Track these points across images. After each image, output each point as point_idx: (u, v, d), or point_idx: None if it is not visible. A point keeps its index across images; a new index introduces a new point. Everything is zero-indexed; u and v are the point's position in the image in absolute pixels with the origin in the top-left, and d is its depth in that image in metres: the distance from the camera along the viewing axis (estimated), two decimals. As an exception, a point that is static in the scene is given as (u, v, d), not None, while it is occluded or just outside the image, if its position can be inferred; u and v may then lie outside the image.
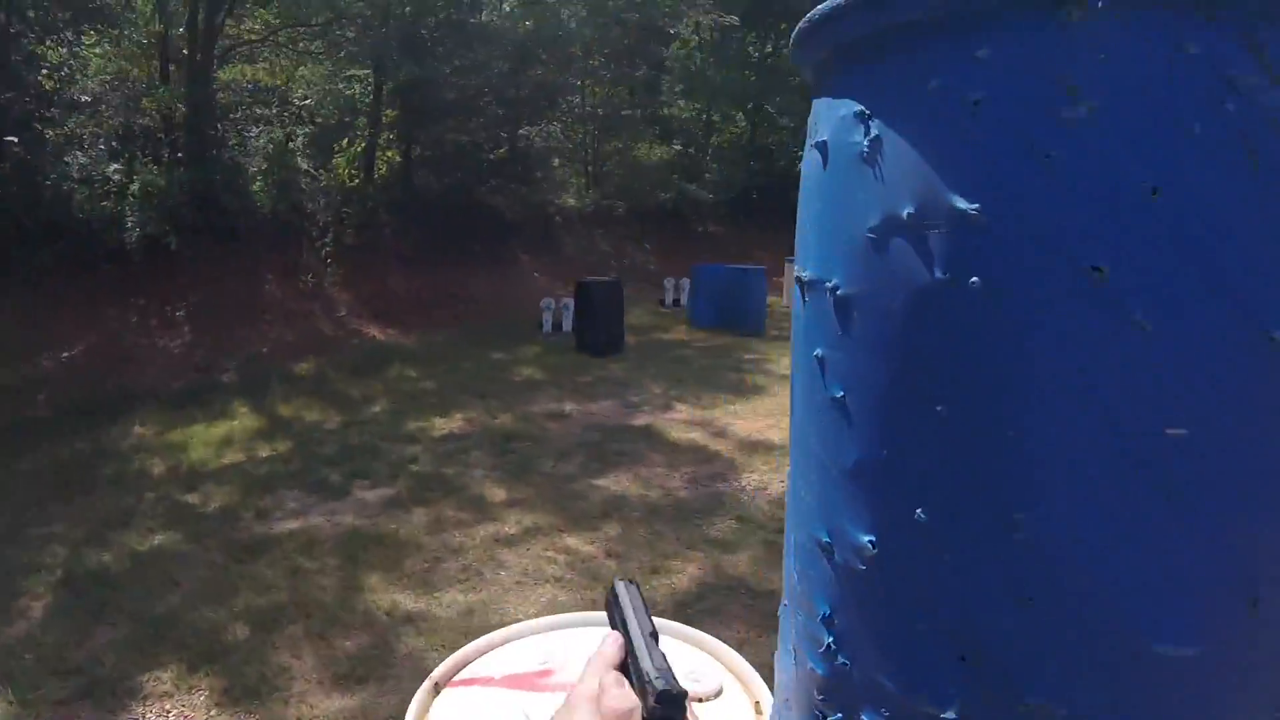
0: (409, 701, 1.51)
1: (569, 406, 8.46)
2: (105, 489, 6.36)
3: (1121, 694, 0.98)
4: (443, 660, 1.72)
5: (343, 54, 16.06)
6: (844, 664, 1.15)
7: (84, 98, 13.22)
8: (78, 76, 13.42)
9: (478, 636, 3.98)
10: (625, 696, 0.80)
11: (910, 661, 1.08)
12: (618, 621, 1.03)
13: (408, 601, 4.36)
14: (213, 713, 3.83)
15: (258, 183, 13.96)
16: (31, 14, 12.55)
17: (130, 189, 12.37)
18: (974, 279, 0.90)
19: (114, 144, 13.32)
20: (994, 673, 1.01)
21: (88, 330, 10.71)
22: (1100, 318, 0.87)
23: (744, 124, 26.25)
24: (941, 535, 1.01)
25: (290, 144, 14.91)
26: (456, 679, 1.67)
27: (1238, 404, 0.90)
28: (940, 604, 1.03)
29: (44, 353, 10.03)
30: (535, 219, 17.64)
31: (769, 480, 6.33)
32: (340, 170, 16.23)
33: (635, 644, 0.88)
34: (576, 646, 1.74)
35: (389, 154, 17.36)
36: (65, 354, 10.08)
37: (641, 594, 0.98)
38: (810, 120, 1.23)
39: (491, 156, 17.65)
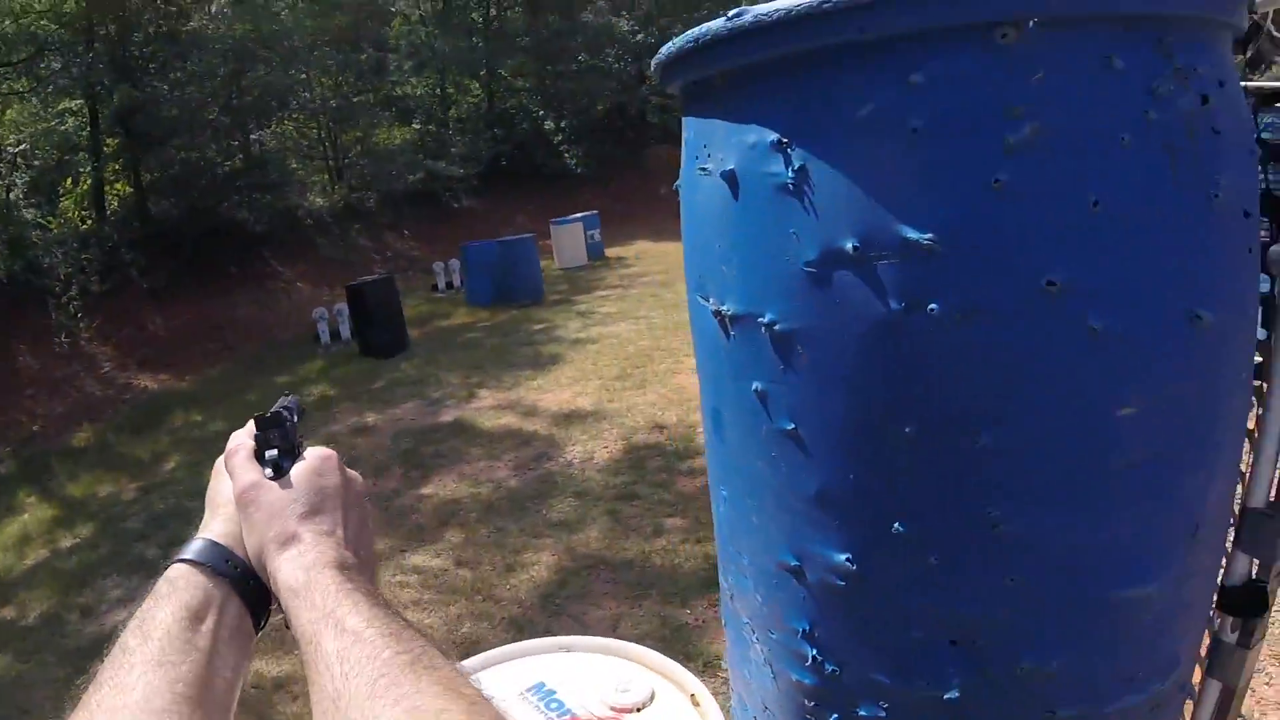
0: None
1: (371, 417, 8.13)
2: (-95, 627, 5.58)
3: (1098, 639, 1.08)
4: None
5: (50, 88, 14.50)
6: (834, 670, 1.17)
7: None
8: None
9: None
10: (234, 439, 0.84)
11: (904, 656, 1.12)
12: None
13: (270, 668, 4.08)
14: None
15: (-14, 247, 12.50)
16: None
17: None
18: (932, 305, 0.91)
19: None
20: (987, 649, 1.07)
21: None
22: (1056, 327, 0.92)
23: (480, 93, 25.77)
24: (921, 542, 1.04)
25: (10, 195, 13.35)
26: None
27: (1173, 377, 0.99)
28: (926, 600, 1.07)
29: None
30: (285, 226, 16.69)
31: (593, 449, 6.36)
32: (70, 214, 14.69)
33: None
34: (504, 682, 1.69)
35: (118, 186, 15.87)
36: None
37: (298, 403, 0.98)
38: (694, 141, 1.20)
39: (226, 168, 16.51)
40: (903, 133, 0.90)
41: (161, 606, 0.71)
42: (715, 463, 1.35)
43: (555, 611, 4.20)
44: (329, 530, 0.76)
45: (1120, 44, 0.90)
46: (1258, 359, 1.22)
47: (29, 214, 13.83)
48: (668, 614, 3.88)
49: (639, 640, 1.70)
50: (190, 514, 6.37)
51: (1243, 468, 1.27)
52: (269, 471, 0.79)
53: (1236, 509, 1.32)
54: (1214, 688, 1.43)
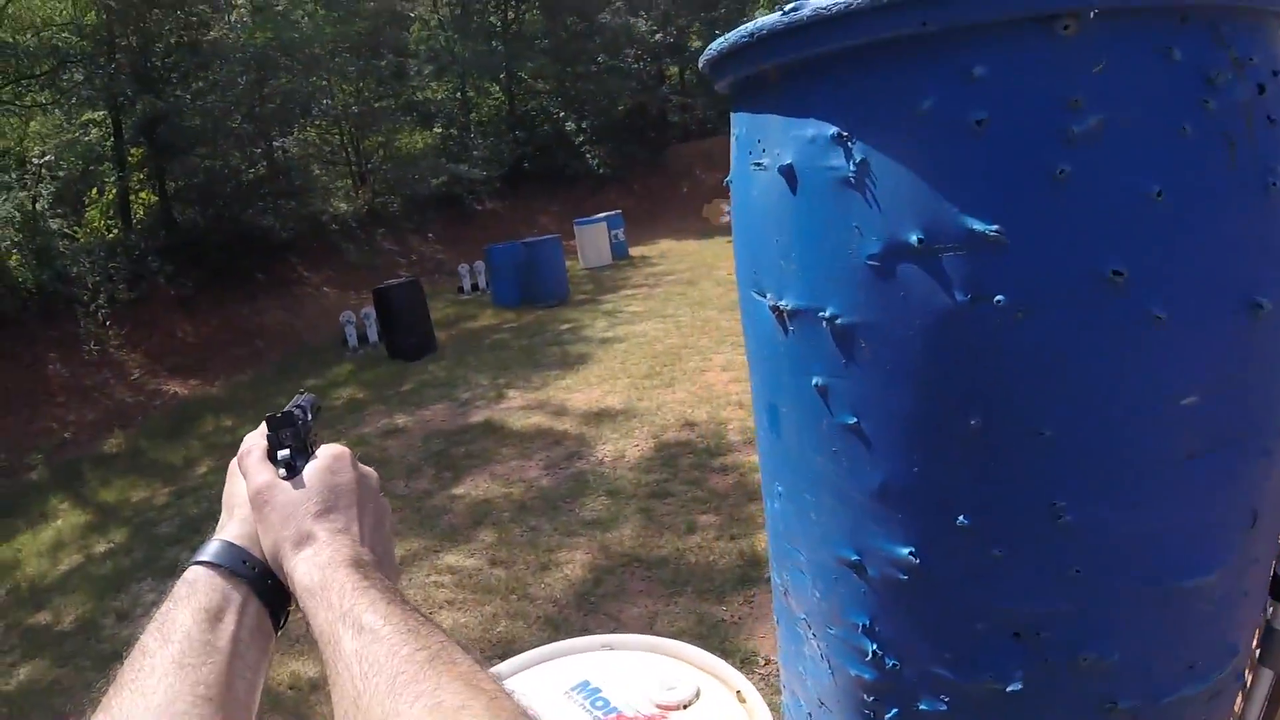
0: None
1: (401, 419, 8.17)
2: (-57, 632, 5.66)
3: (1160, 628, 1.08)
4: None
5: (74, 100, 14.66)
6: (894, 665, 1.17)
7: None
8: None
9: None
10: (247, 440, 0.84)
11: (966, 649, 1.12)
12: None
13: (307, 669, 4.11)
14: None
15: (14, 257, 12.59)
16: None
17: None
18: (998, 297, 0.92)
19: None
20: (1049, 641, 1.07)
21: None
22: (1121, 316, 0.92)
23: (501, 95, 25.84)
24: (986, 535, 1.04)
25: (36, 206, 13.47)
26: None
27: (1234, 365, 0.98)
28: (990, 593, 1.07)
29: None
30: (310, 232, 16.81)
31: (624, 448, 6.36)
32: (96, 223, 14.84)
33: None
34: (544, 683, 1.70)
35: (143, 195, 16.01)
36: None
37: (313, 400, 0.98)
38: (747, 137, 1.20)
39: (250, 175, 16.65)
40: (966, 125, 0.90)
41: (180, 608, 0.71)
42: (770, 459, 1.35)
43: (590, 610, 4.21)
44: (343, 528, 0.76)
45: (1178, 34, 0.90)
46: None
47: (55, 224, 13.92)
48: (704, 611, 3.88)
49: (676, 637, 1.70)
50: (224, 517, 6.45)
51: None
52: (282, 471, 0.79)
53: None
54: (1266, 676, 1.41)
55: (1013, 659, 1.09)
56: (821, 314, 1.06)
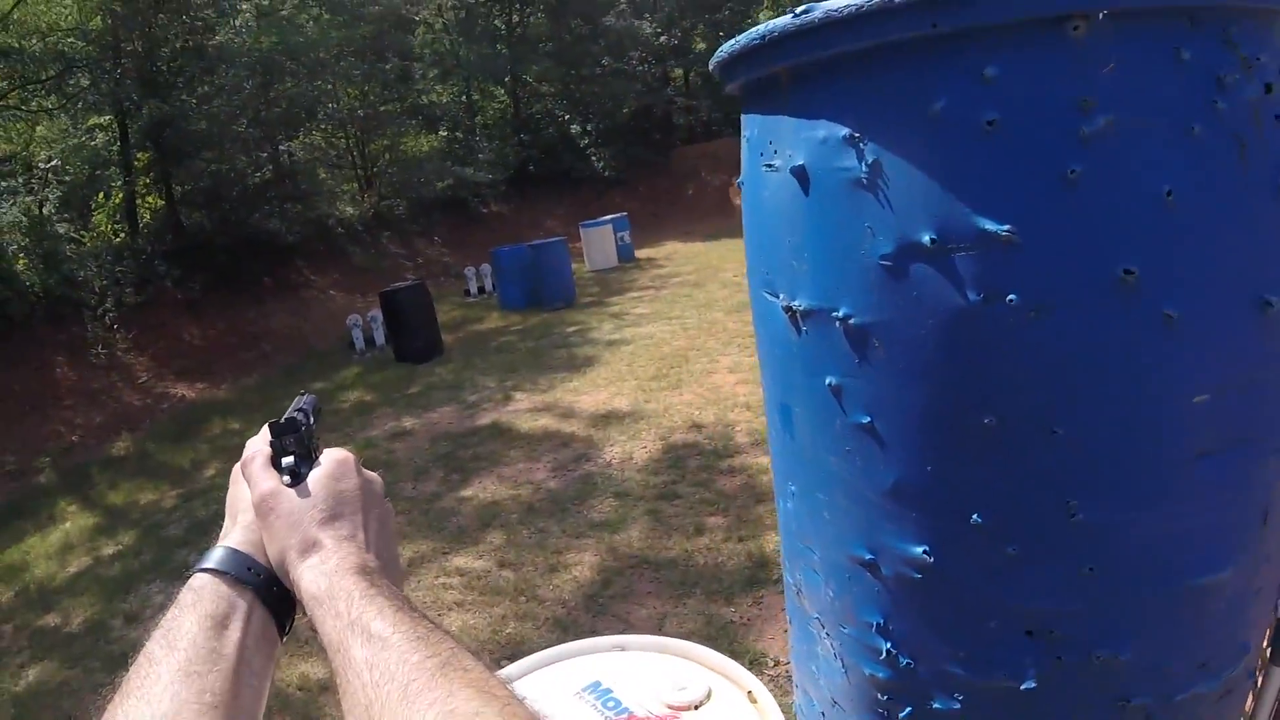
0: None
1: (408, 422, 8.18)
2: (-47, 635, 5.68)
3: (1173, 627, 1.08)
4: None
5: (80, 104, 14.70)
6: (908, 664, 1.18)
7: None
8: None
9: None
10: (250, 446, 0.83)
11: (980, 647, 1.12)
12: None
13: (316, 670, 4.12)
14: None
15: (21, 261, 12.63)
16: None
17: None
18: (1011, 296, 0.92)
19: None
20: (1063, 639, 1.08)
21: None
22: (1133, 315, 0.92)
23: (505, 98, 25.88)
24: (999, 533, 1.04)
25: (43, 210, 13.50)
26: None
27: (1245, 363, 0.99)
28: (1004, 591, 1.08)
29: None
30: (316, 235, 16.84)
31: (631, 450, 6.36)
32: (103, 228, 14.85)
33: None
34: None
35: (150, 199, 16.04)
36: None
37: (314, 402, 0.97)
38: (758, 138, 1.21)
39: (256, 179, 16.70)
40: (977, 126, 0.91)
41: (186, 616, 0.70)
42: (782, 459, 1.35)
43: (599, 611, 4.21)
44: (349, 535, 0.76)
45: (1187, 35, 0.91)
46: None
47: (62, 228, 13.91)
48: (712, 612, 3.88)
49: (685, 639, 1.70)
50: (233, 521, 6.47)
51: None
52: (286, 478, 0.79)
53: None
54: (1277, 676, 1.42)
55: (1026, 657, 1.09)
56: (834, 314, 1.07)
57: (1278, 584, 1.28)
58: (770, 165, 1.15)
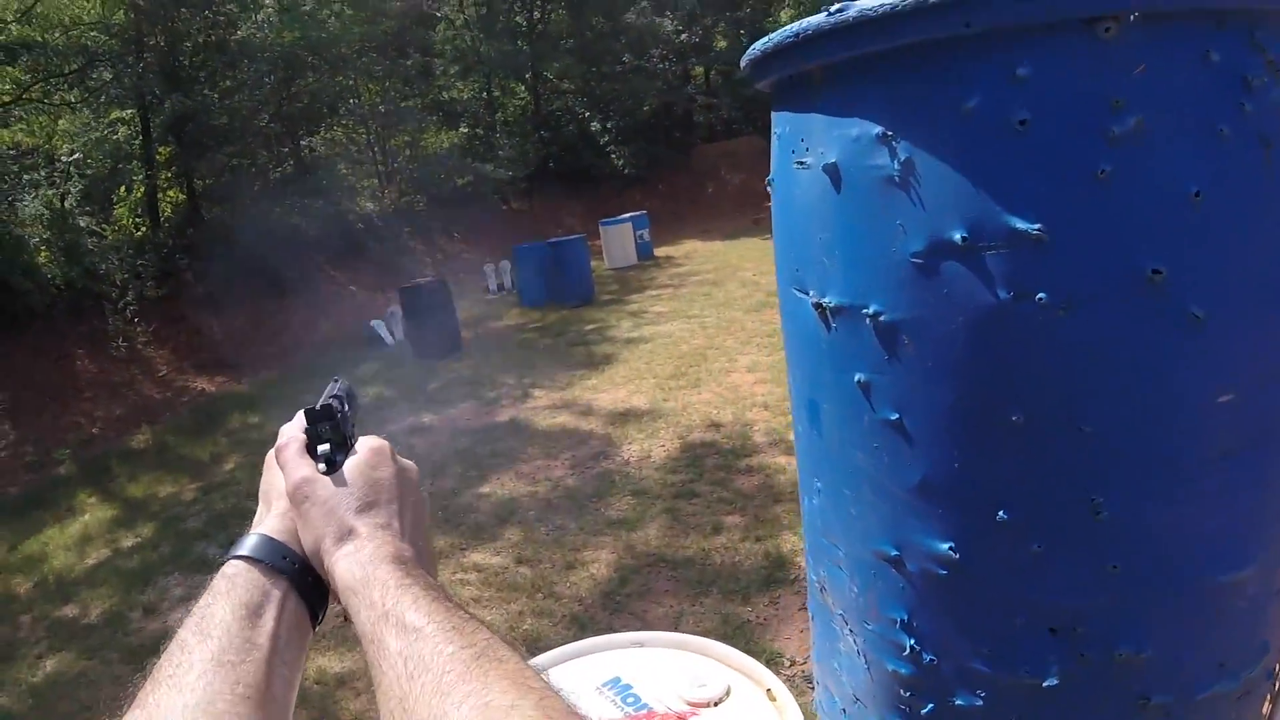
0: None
1: (427, 418, 8.22)
2: (-28, 624, 5.75)
3: (1194, 625, 1.09)
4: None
5: (102, 98, 14.80)
6: (932, 660, 1.18)
7: None
8: None
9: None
10: (284, 432, 0.83)
11: (1004, 644, 1.13)
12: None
13: (333, 664, 4.16)
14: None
15: (43, 253, 12.75)
16: None
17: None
18: (1040, 294, 0.93)
19: None
20: (1086, 636, 1.08)
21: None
22: (1161, 314, 0.93)
23: (526, 95, 25.93)
24: (1025, 530, 1.05)
25: (65, 204, 13.61)
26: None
27: (1270, 363, 0.99)
28: (1028, 588, 1.09)
29: None
30: (336, 230, 16.92)
31: (649, 448, 6.37)
32: (124, 221, 14.96)
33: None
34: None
35: (171, 193, 16.16)
36: None
37: (349, 388, 0.96)
38: (790, 136, 1.22)
39: (277, 174, 16.79)
40: (1009, 125, 0.92)
41: (219, 603, 0.69)
42: (809, 455, 1.36)
43: (616, 609, 4.22)
44: (385, 523, 0.75)
45: (1215, 37, 0.91)
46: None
47: (84, 222, 14.01)
48: (729, 611, 3.89)
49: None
50: (251, 514, 6.51)
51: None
52: (321, 466, 0.78)
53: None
54: (1299, 679, 1.42)
55: (1049, 654, 1.10)
56: (864, 311, 1.08)
57: (1301, 585, 1.28)
58: (802, 163, 1.16)
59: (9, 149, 14.11)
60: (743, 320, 9.89)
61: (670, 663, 1.57)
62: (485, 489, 6.18)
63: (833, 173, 1.09)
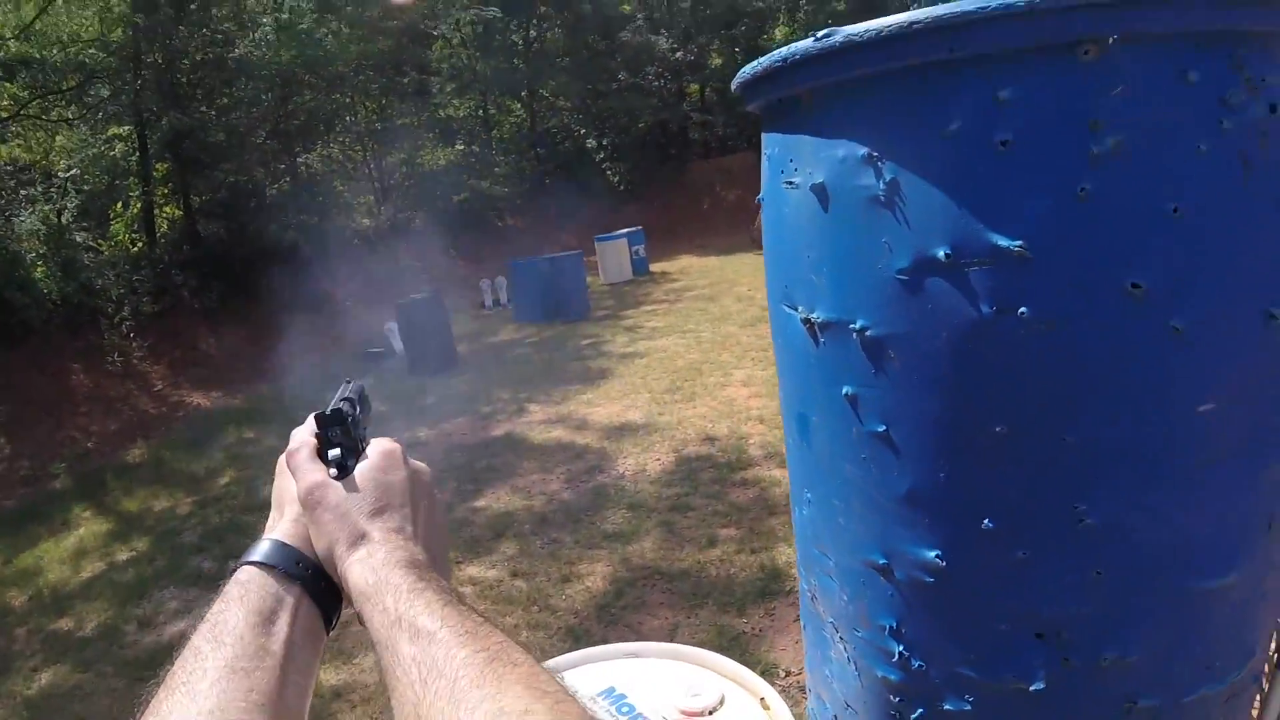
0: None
1: (423, 432, 8.24)
2: (-32, 636, 5.73)
3: (1179, 629, 1.11)
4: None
5: (100, 115, 14.90)
6: (920, 666, 1.21)
7: None
8: None
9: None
10: (295, 436, 0.83)
11: (991, 649, 1.16)
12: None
13: (328, 676, 4.17)
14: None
15: (39, 269, 12.76)
16: None
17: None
18: (1022, 309, 0.96)
19: None
20: (1071, 641, 1.11)
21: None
22: (1141, 327, 0.96)
23: (522, 113, 26.07)
24: (1010, 537, 1.08)
25: (61, 219, 13.63)
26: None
27: (1250, 374, 1.03)
28: (1014, 594, 1.11)
29: None
30: (333, 247, 16.97)
31: (644, 462, 6.38)
32: (121, 237, 15.02)
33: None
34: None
35: (168, 209, 16.22)
36: None
37: (361, 390, 0.96)
38: (779, 156, 1.25)
39: (273, 191, 16.85)
40: (991, 146, 0.95)
41: (232, 610, 0.69)
42: (800, 467, 1.39)
43: (611, 621, 4.23)
44: (397, 528, 0.75)
45: (1194, 58, 0.95)
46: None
47: (80, 237, 14.03)
48: (724, 623, 3.90)
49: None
50: (246, 528, 6.51)
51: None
52: (333, 471, 0.78)
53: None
54: (1283, 682, 1.45)
55: (1036, 659, 1.12)
56: (852, 326, 1.11)
57: (1283, 591, 1.31)
58: (791, 183, 1.20)
59: (6, 165, 14.16)
60: (738, 335, 9.94)
61: (665, 672, 1.58)
62: (480, 503, 6.19)
63: (820, 192, 1.12)
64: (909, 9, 0.98)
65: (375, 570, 0.69)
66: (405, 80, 21.68)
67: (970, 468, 1.07)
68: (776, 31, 26.66)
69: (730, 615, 3.97)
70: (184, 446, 9.88)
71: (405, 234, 19.45)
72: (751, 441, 6.30)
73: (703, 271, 16.68)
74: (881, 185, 1.03)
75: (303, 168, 18.48)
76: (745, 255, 17.33)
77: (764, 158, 1.32)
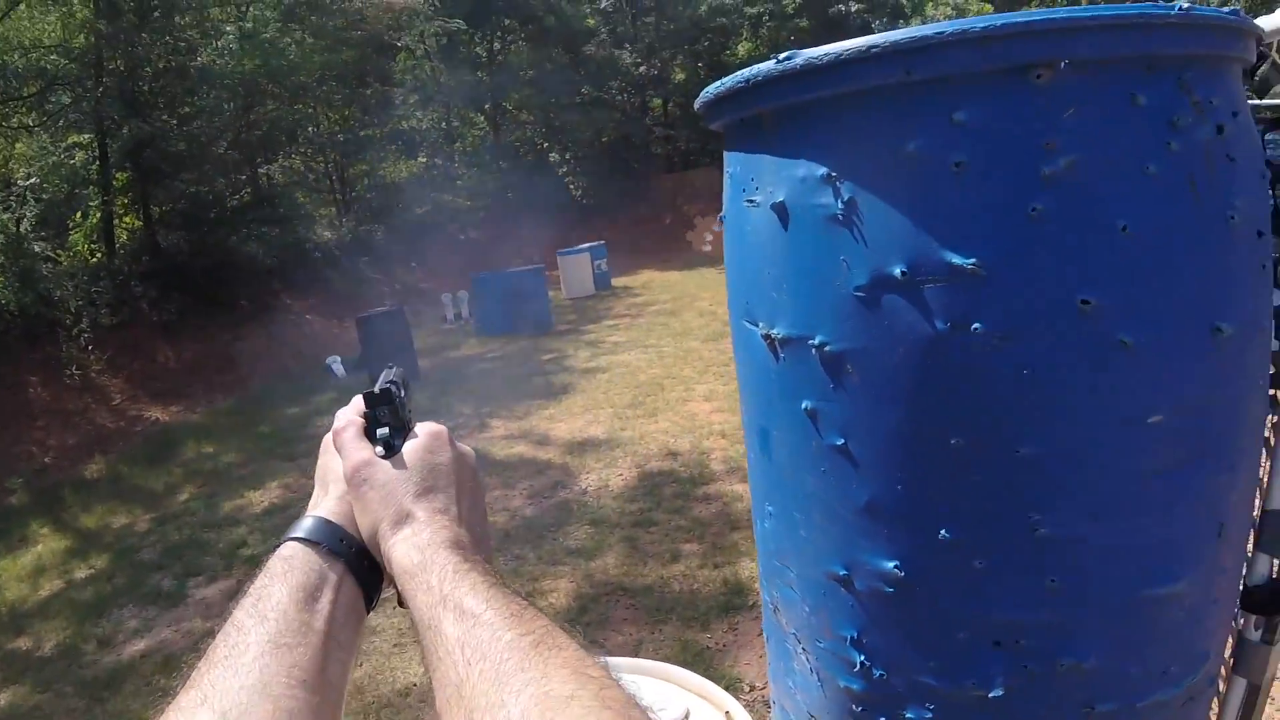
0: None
1: (384, 447, 8.20)
2: (-78, 658, 5.59)
3: (1134, 635, 1.15)
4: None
5: (60, 122, 14.63)
6: (881, 675, 1.23)
7: None
8: None
9: (378, 715, 3.82)
10: (341, 416, 0.84)
11: (950, 658, 1.18)
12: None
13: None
14: None
15: (-4, 280, 12.55)
16: None
17: None
18: (976, 325, 0.99)
19: None
20: (1028, 648, 1.14)
21: None
22: (1091, 342, 0.99)
23: (485, 125, 26.09)
24: (967, 548, 1.10)
25: (20, 228, 13.36)
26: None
27: (1198, 386, 1.06)
28: (971, 603, 1.14)
29: None
30: (294, 259, 16.80)
31: (607, 477, 6.39)
32: (80, 247, 14.75)
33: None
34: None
35: (127, 219, 15.98)
36: None
37: (404, 375, 0.97)
38: (741, 175, 1.27)
39: (235, 202, 16.67)
40: (946, 166, 0.98)
41: (276, 585, 0.69)
42: (761, 480, 1.41)
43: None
44: (442, 508, 0.75)
45: (1144, 82, 0.98)
46: (1273, 369, 1.30)
47: (39, 247, 13.76)
48: (688, 638, 3.92)
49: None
50: (206, 544, 6.42)
51: (1260, 473, 1.34)
52: (380, 450, 0.78)
53: (1257, 513, 1.39)
54: (1239, 685, 1.49)
55: (994, 666, 1.15)
56: (811, 342, 1.13)
57: (1236, 595, 1.35)
58: (752, 201, 1.22)
59: (-36, 174, 13.86)
60: (700, 349, 9.99)
61: (633, 687, 1.58)
62: (443, 519, 6.16)
63: (781, 211, 1.14)
64: (870, 26, 1.01)
65: (420, 550, 0.69)
66: (369, 91, 21.61)
67: (927, 480, 1.09)
68: (739, 47, 26.94)
69: (694, 630, 3.98)
70: (143, 461, 9.73)
71: (367, 246, 19.34)
72: (714, 456, 6.33)
73: (665, 286, 16.75)
74: (840, 204, 1.05)
75: (264, 178, 18.33)
76: (707, 270, 17.44)
77: (726, 176, 1.35)
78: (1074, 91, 0.94)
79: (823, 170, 1.07)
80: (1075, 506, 1.06)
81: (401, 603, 0.70)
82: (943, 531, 1.09)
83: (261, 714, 0.60)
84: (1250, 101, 1.23)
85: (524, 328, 13.16)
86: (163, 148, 14.96)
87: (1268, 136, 1.52)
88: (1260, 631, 1.43)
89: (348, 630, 0.71)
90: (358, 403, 0.84)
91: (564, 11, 25.49)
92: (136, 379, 12.71)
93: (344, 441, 0.80)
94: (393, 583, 0.72)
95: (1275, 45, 1.61)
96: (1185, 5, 0.97)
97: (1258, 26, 1.13)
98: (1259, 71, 1.65)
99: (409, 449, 0.78)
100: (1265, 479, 1.41)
